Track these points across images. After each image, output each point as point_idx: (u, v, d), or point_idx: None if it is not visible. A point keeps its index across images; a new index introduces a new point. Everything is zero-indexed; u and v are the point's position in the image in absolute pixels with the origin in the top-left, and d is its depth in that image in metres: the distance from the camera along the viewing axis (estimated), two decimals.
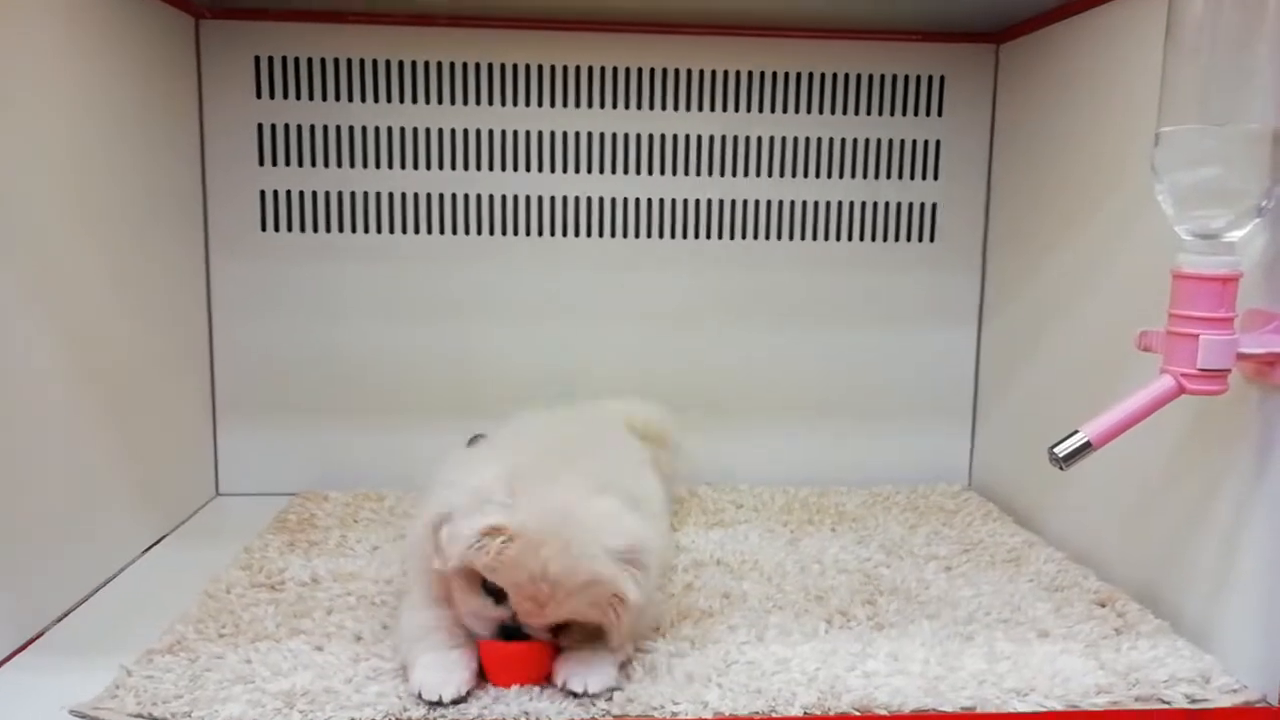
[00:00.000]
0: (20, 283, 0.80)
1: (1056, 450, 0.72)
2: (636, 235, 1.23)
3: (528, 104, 1.19)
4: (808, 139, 1.23)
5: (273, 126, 1.17)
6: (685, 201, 1.23)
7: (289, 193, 1.19)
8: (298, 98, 1.17)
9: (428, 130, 1.19)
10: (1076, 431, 0.72)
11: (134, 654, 0.74)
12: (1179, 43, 0.71)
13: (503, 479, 0.70)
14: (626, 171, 1.22)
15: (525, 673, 0.70)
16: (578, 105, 1.20)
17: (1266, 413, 0.73)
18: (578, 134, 1.20)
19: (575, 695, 0.68)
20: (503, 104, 1.19)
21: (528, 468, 0.72)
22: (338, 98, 1.17)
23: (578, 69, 1.19)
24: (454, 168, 1.20)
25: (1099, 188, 0.99)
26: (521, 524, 0.67)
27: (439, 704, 0.67)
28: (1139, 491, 0.89)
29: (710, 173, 1.22)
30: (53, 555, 0.85)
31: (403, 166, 1.19)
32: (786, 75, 1.21)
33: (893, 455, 1.30)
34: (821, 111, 1.22)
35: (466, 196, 1.20)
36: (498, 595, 0.69)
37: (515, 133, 1.20)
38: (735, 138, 1.22)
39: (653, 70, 1.20)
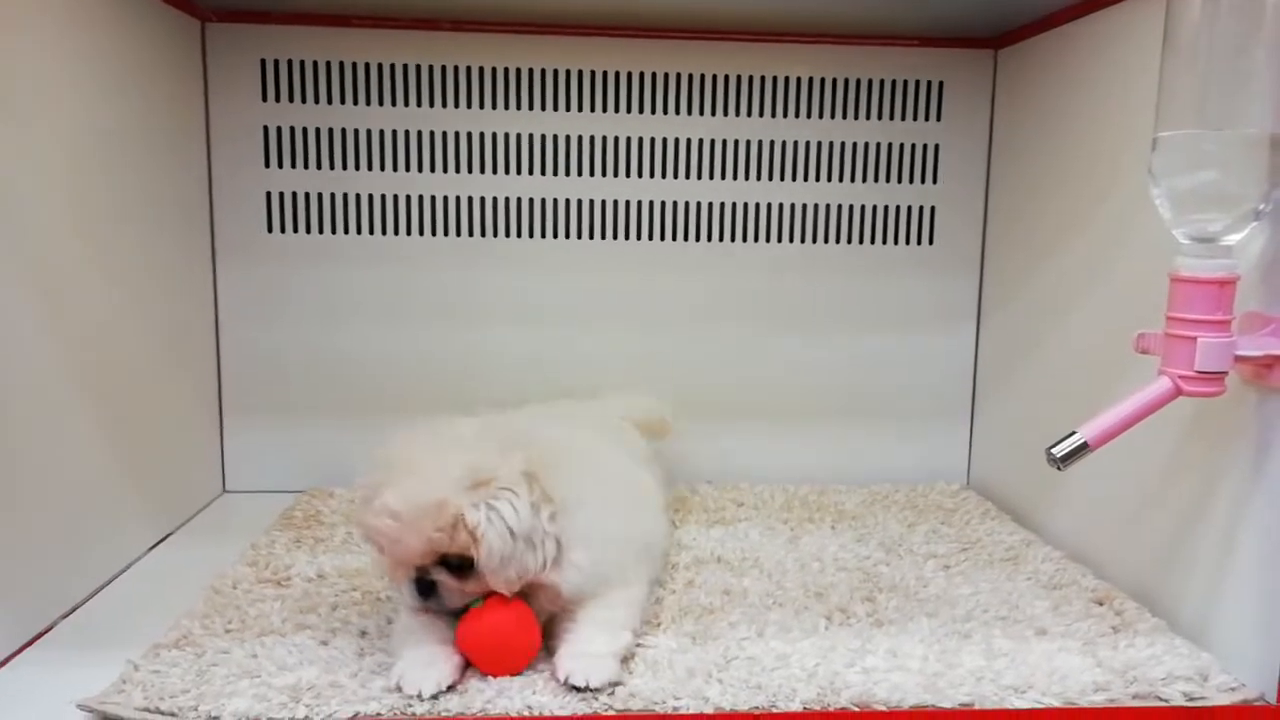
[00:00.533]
0: (25, 283, 0.81)
1: (1054, 451, 0.73)
2: (639, 238, 1.24)
3: (531, 108, 1.20)
4: (807, 143, 1.24)
5: (278, 129, 1.18)
6: (686, 205, 1.24)
7: (295, 195, 1.20)
8: (303, 101, 1.18)
9: (432, 133, 1.20)
10: (1074, 432, 0.73)
11: (141, 649, 0.75)
12: (1176, 48, 0.72)
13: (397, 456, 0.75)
14: (628, 175, 1.23)
15: (503, 654, 0.72)
16: (580, 110, 1.21)
17: (1264, 414, 0.73)
18: (580, 138, 1.21)
19: (577, 690, 0.69)
20: (506, 108, 1.20)
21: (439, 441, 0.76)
22: (343, 101, 1.18)
23: (580, 73, 1.20)
24: (459, 171, 1.21)
25: (1096, 191, 1.00)
26: (369, 477, 0.73)
27: (423, 699, 0.68)
28: (1137, 491, 0.90)
29: (711, 176, 1.23)
30: (60, 552, 0.86)
31: (408, 169, 1.20)
32: (786, 80, 1.22)
33: (892, 454, 1.31)
34: (821, 116, 1.23)
35: (471, 199, 1.21)
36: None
37: (520, 136, 1.21)
38: (735, 141, 1.23)
39: (654, 75, 1.21)
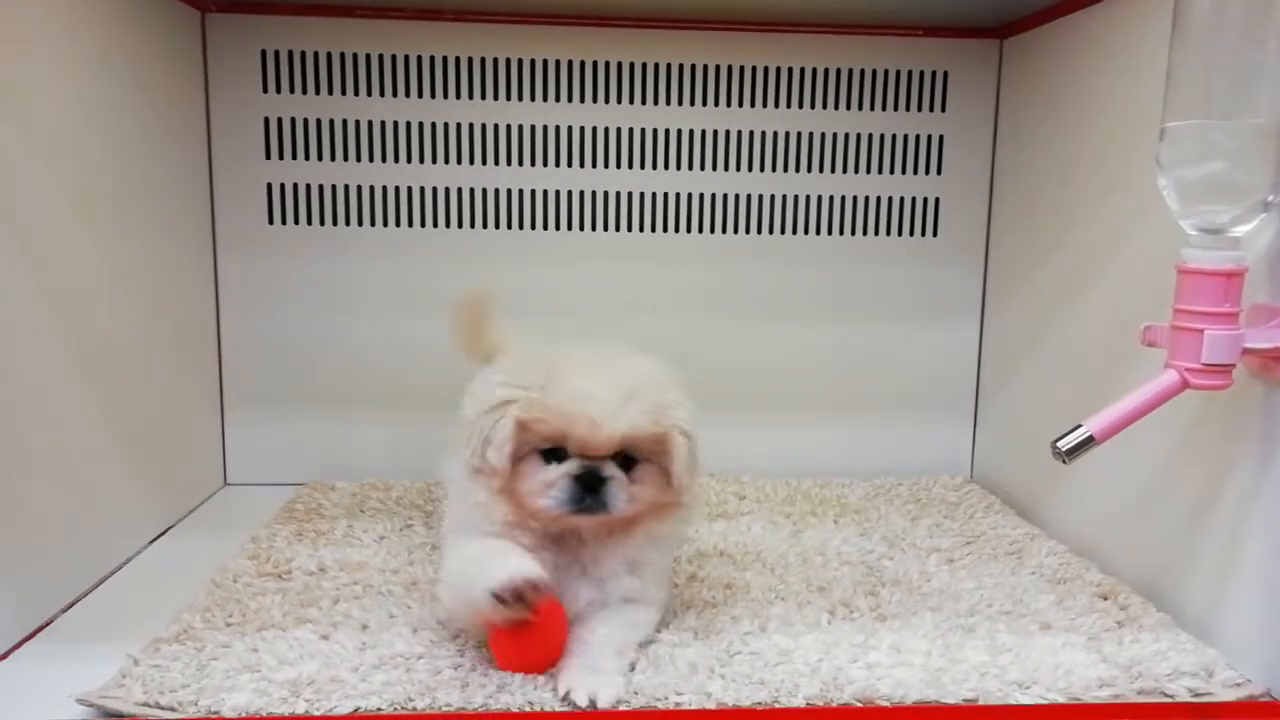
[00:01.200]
0: (26, 276, 0.80)
1: (1059, 444, 0.72)
2: (642, 229, 1.23)
3: (534, 99, 1.19)
4: (810, 134, 1.23)
5: (279, 120, 1.18)
6: (690, 196, 1.23)
7: (296, 186, 1.19)
8: (304, 92, 1.17)
9: (434, 124, 1.19)
10: (1080, 425, 0.73)
11: (141, 643, 0.74)
12: (1185, 37, 0.71)
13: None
14: (631, 166, 1.22)
15: (534, 653, 0.71)
16: (583, 100, 1.20)
17: (1271, 407, 0.73)
18: (585, 129, 1.20)
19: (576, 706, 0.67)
20: (509, 99, 1.19)
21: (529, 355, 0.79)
22: (344, 92, 1.17)
23: (583, 64, 1.19)
24: (460, 162, 1.20)
25: (1103, 182, 0.99)
26: (547, 377, 0.73)
27: (532, 588, 0.67)
28: (1142, 485, 0.89)
29: (714, 167, 1.23)
30: (60, 545, 0.85)
31: (409, 160, 1.19)
32: (790, 70, 1.21)
33: (895, 447, 1.30)
34: (825, 106, 1.22)
35: (473, 191, 1.21)
36: (557, 455, 0.73)
37: (523, 127, 1.20)
38: (738, 132, 1.22)
39: (658, 65, 1.20)
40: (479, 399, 0.77)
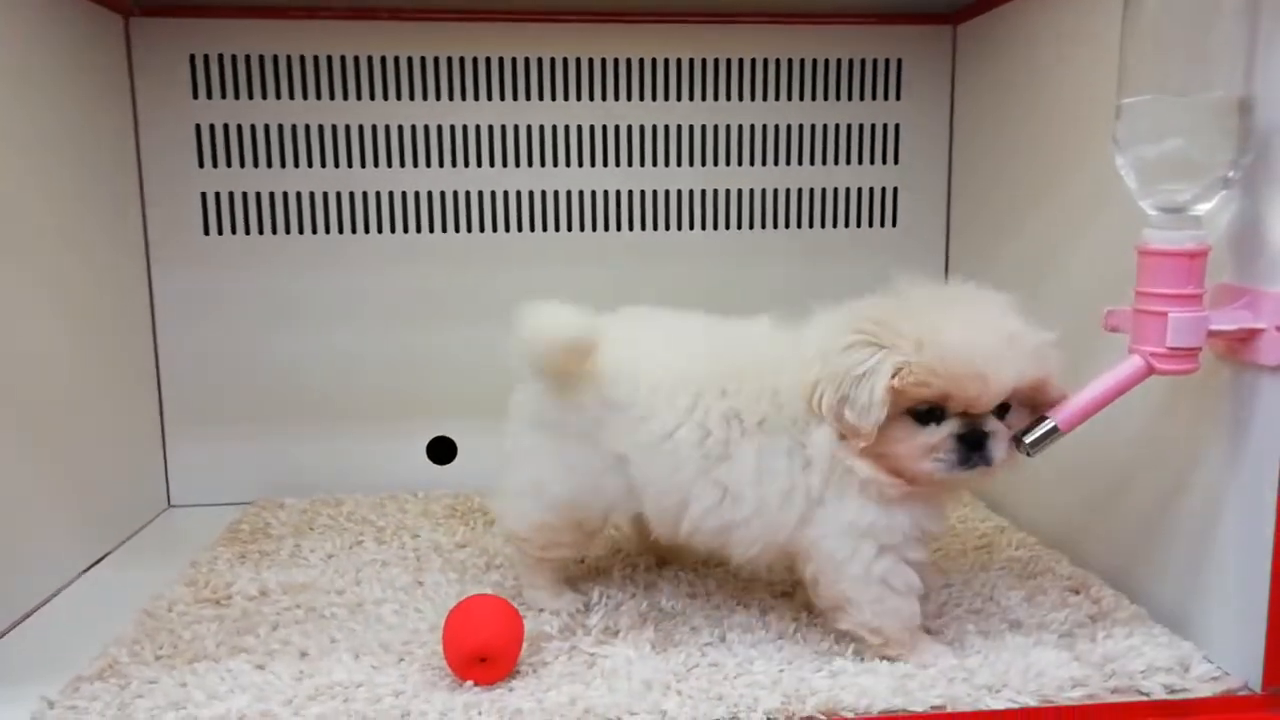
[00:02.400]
0: None
1: (1025, 439, 0.70)
2: (590, 229, 1.20)
3: (475, 98, 1.15)
4: (764, 126, 1.20)
5: (211, 127, 1.13)
6: (640, 193, 1.19)
7: (231, 195, 1.14)
8: (236, 97, 1.13)
9: (373, 127, 1.15)
10: (1044, 417, 0.70)
11: (61, 682, 0.70)
12: (1138, 10, 0.68)
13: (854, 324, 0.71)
14: (579, 165, 1.18)
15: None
16: (528, 98, 1.16)
17: (1239, 390, 0.70)
18: (528, 127, 1.17)
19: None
20: (449, 98, 1.15)
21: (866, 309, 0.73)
22: (278, 95, 1.13)
23: (526, 60, 1.15)
24: (401, 165, 1.16)
25: (1061, 166, 0.97)
26: (920, 335, 0.67)
27: None
28: (1110, 474, 0.87)
29: (665, 164, 1.19)
30: None
31: (348, 165, 1.15)
32: (740, 62, 1.18)
33: None
34: (778, 98, 1.19)
35: (414, 194, 1.17)
36: (935, 416, 0.68)
37: (464, 127, 1.16)
38: (689, 127, 1.19)
39: (602, 60, 1.16)
40: (829, 354, 0.70)
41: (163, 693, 0.68)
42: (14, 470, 0.86)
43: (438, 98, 1.15)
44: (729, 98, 1.19)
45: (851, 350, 0.68)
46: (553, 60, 1.16)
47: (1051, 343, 0.70)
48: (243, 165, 1.14)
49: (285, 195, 1.15)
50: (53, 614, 0.88)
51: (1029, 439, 0.70)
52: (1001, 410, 0.70)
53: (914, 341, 0.67)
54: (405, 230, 1.17)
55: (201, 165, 1.13)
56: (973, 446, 0.68)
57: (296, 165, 1.14)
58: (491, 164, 1.17)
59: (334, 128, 1.14)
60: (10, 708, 0.67)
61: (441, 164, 1.16)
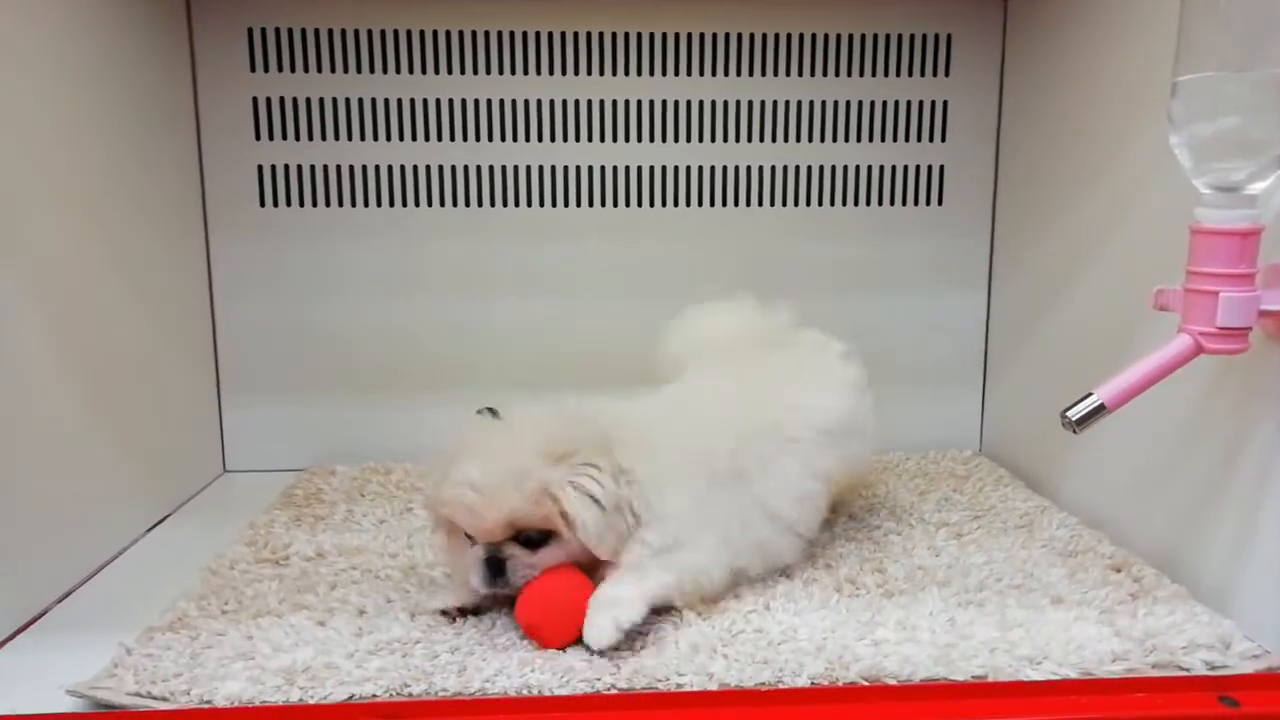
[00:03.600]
0: (15, 267, 0.79)
1: (1069, 414, 0.70)
2: (639, 204, 1.21)
3: (526, 72, 1.17)
4: (811, 103, 1.20)
5: (268, 100, 1.15)
6: (688, 169, 1.20)
7: (287, 167, 1.17)
8: (293, 70, 1.15)
9: (427, 101, 1.16)
10: (1090, 394, 0.70)
11: (135, 632, 0.73)
12: None
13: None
14: (628, 140, 1.19)
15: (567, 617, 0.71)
16: (577, 73, 1.17)
17: None
18: (578, 101, 1.18)
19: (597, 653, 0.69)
20: (500, 72, 1.17)
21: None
22: (333, 69, 1.15)
23: (576, 35, 1.16)
24: (453, 139, 1.18)
25: (1111, 143, 0.96)
26: (442, 455, 0.75)
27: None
28: (1155, 454, 0.87)
29: (712, 139, 1.20)
30: (54, 536, 0.84)
31: (401, 139, 1.17)
32: (788, 37, 1.18)
33: (902, 421, 1.26)
34: (825, 74, 1.19)
35: (466, 168, 1.18)
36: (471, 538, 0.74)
37: (517, 102, 1.17)
38: (736, 103, 1.19)
39: (651, 35, 1.17)
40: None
41: (230, 644, 0.72)
42: (81, 433, 0.90)
43: (488, 71, 1.16)
44: (775, 73, 1.19)
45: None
46: (604, 35, 1.16)
47: (576, 478, 0.71)
48: (298, 138, 1.16)
49: (339, 168, 1.17)
50: (120, 571, 0.91)
51: (1074, 415, 0.71)
52: (537, 540, 0.73)
53: (442, 473, 0.74)
54: (457, 204, 1.19)
55: (258, 138, 1.16)
56: (494, 572, 0.73)
57: (351, 138, 1.16)
58: (541, 139, 1.18)
59: (388, 101, 1.16)
60: (90, 653, 0.70)
61: (493, 138, 1.18)
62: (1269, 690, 0.66)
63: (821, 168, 1.22)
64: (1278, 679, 0.68)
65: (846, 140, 1.21)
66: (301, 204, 1.18)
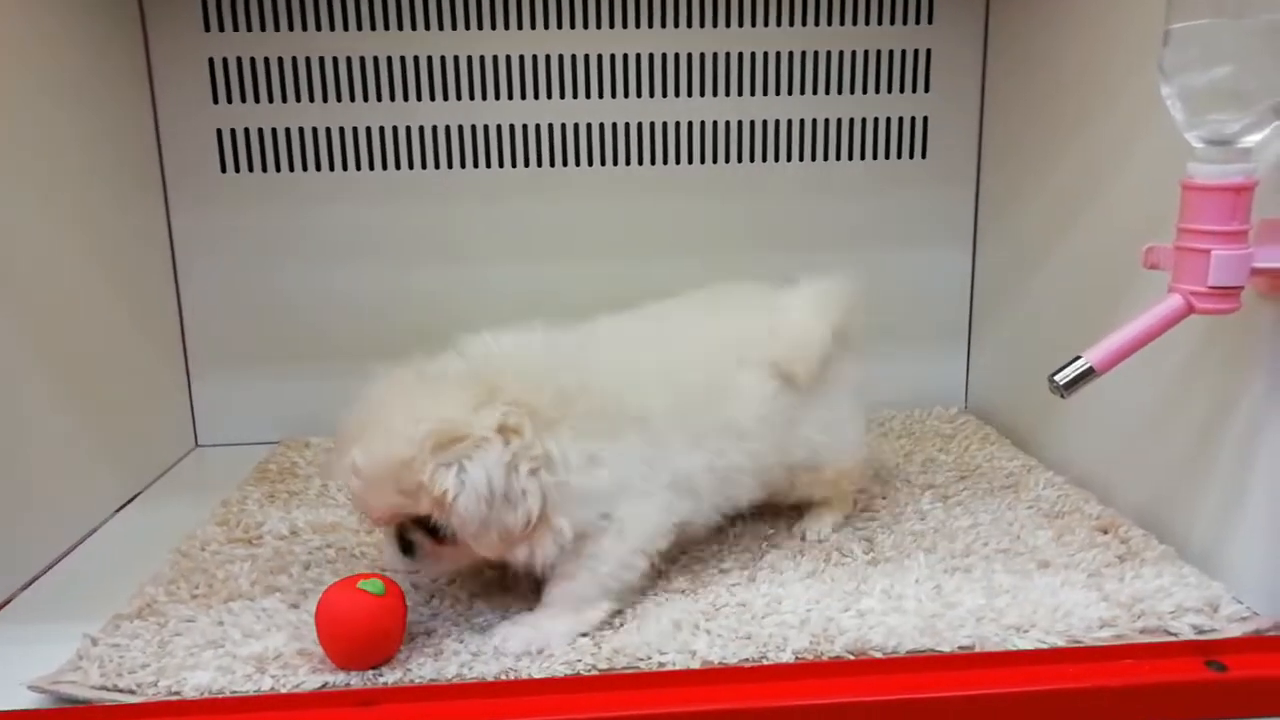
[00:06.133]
0: None
1: (1057, 378, 0.69)
2: (615, 163, 1.17)
3: (494, 27, 1.12)
4: (790, 53, 1.16)
5: (224, 60, 1.10)
6: (662, 125, 1.17)
7: (247, 131, 1.12)
8: (249, 29, 1.10)
9: (389, 59, 1.12)
10: (1078, 357, 0.69)
11: (101, 620, 0.71)
12: None
13: None
14: (600, 95, 1.15)
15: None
16: (547, 27, 1.13)
17: None
18: (549, 57, 1.13)
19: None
20: (470, 27, 1.12)
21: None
22: (291, 27, 1.10)
23: None
24: (419, 99, 1.13)
25: (1100, 95, 0.93)
26: (343, 428, 0.70)
27: None
28: (1143, 413, 0.85)
29: (687, 93, 1.16)
30: (18, 520, 0.81)
31: (365, 99, 1.13)
32: None
33: (886, 379, 1.24)
34: (803, 24, 1.15)
35: (435, 129, 1.14)
36: None
37: (484, 58, 1.13)
38: (712, 55, 1.15)
39: None
40: None
41: (200, 631, 0.70)
42: (46, 411, 0.87)
43: (455, 27, 1.12)
44: (751, 24, 1.15)
45: None
46: None
47: (454, 464, 0.64)
48: (258, 100, 1.12)
49: (301, 130, 1.13)
50: (89, 553, 0.89)
51: (1061, 379, 0.69)
52: (441, 530, 0.66)
53: (341, 452, 0.69)
54: (425, 166, 1.15)
55: (216, 101, 1.11)
56: (405, 550, 0.70)
57: (313, 100, 1.12)
58: (520, 96, 1.14)
59: (350, 60, 1.11)
60: (54, 645, 0.68)
61: (462, 97, 1.13)
62: (1256, 653, 0.65)
63: (800, 121, 1.18)
64: (1265, 642, 0.67)
65: (826, 92, 1.17)
66: (264, 168, 1.14)
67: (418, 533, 0.68)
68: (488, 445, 0.65)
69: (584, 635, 0.68)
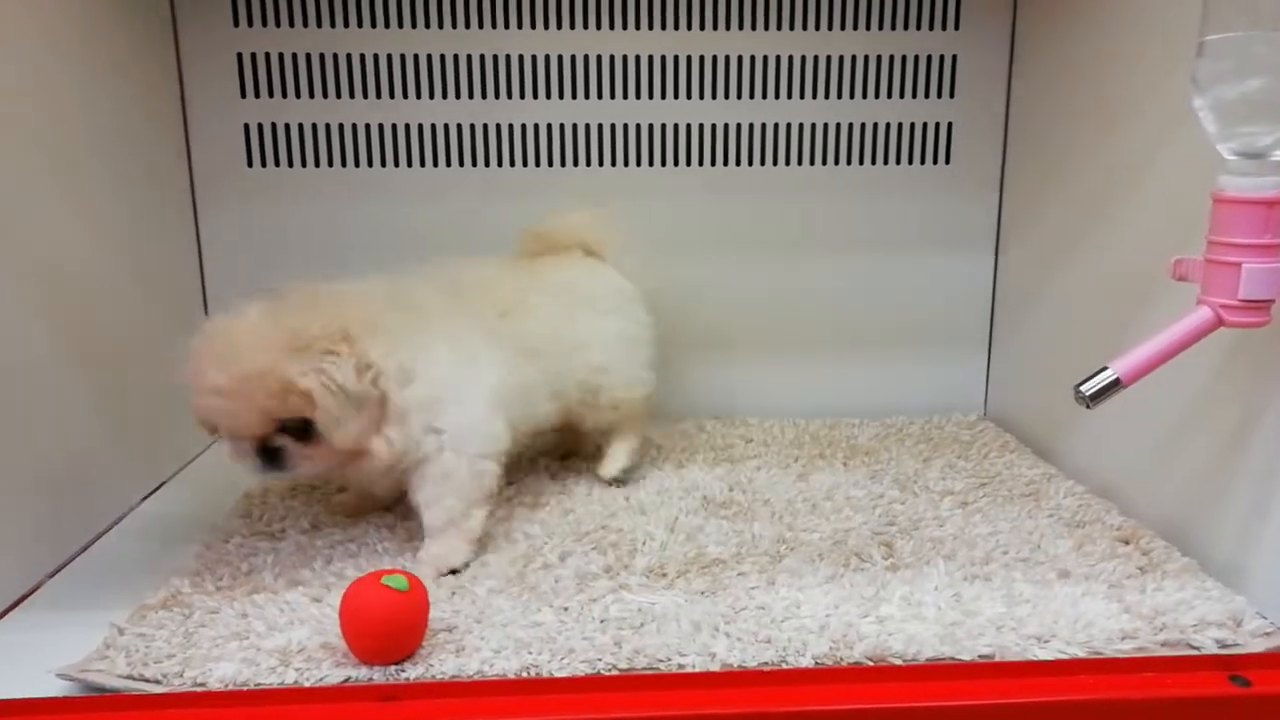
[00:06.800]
0: (1, 239, 0.77)
1: (1083, 389, 0.68)
2: (639, 164, 1.18)
3: (520, 26, 1.13)
4: (816, 57, 1.16)
5: (253, 56, 1.11)
6: (689, 127, 1.17)
7: (275, 126, 1.13)
8: (278, 25, 1.11)
9: (416, 56, 1.13)
10: (1104, 368, 0.68)
11: (127, 609, 0.72)
12: None
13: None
14: (628, 97, 1.15)
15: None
16: (573, 27, 1.13)
17: None
18: (574, 57, 1.14)
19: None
20: (497, 26, 1.12)
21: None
22: (320, 23, 1.11)
23: None
24: (445, 96, 1.14)
25: (1126, 103, 0.93)
26: (195, 365, 0.73)
27: None
28: (1167, 423, 0.85)
29: (713, 96, 1.16)
30: (46, 509, 0.83)
31: (393, 96, 1.13)
32: None
33: (906, 385, 1.26)
34: (830, 28, 1.15)
35: (460, 126, 1.15)
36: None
37: (511, 57, 1.13)
38: (738, 58, 1.15)
39: None
40: None
41: (224, 623, 0.70)
42: (74, 403, 0.88)
43: (482, 25, 1.12)
44: (777, 27, 1.15)
45: None
46: None
47: (316, 367, 0.73)
48: (285, 96, 1.13)
49: (329, 126, 1.14)
50: (114, 543, 0.90)
51: (1088, 391, 0.69)
52: (305, 430, 0.74)
53: (190, 374, 0.74)
54: (451, 164, 1.16)
55: (244, 96, 1.12)
56: (268, 461, 0.75)
57: (340, 96, 1.13)
58: (538, 96, 1.14)
59: (378, 57, 1.12)
60: (80, 633, 0.69)
61: (485, 95, 1.14)
62: None
63: (826, 125, 1.18)
64: None
65: (851, 97, 1.17)
66: (291, 164, 1.15)
67: (283, 438, 0.75)
68: (336, 348, 0.74)
69: (599, 634, 0.69)
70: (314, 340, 0.73)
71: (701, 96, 1.16)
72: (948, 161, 1.20)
